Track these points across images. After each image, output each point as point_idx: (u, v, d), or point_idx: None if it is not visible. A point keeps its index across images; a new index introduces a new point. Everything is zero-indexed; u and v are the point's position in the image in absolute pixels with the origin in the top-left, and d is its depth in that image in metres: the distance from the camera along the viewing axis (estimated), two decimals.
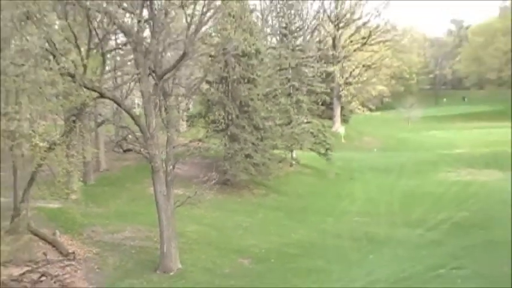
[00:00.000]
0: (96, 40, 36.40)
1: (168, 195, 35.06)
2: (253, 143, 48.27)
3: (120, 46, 44.97)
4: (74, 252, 35.64)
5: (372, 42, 79.40)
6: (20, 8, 30.17)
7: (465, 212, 41.27)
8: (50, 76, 31.44)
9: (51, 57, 32.18)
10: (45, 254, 35.18)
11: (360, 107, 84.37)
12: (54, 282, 31.80)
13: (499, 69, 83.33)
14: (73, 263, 34.68)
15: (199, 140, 46.46)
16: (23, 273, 32.04)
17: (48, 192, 40.30)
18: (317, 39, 72.68)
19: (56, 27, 34.51)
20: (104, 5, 35.55)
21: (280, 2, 64.01)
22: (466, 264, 30.51)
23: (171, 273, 34.02)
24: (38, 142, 31.96)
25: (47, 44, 31.93)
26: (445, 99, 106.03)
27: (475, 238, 34.95)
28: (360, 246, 38.34)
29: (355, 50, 77.82)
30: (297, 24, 64.68)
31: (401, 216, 43.65)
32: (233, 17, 38.93)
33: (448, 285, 26.60)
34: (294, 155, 56.13)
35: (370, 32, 78.92)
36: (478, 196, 43.70)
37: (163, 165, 35.20)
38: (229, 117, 47.77)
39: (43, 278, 31.89)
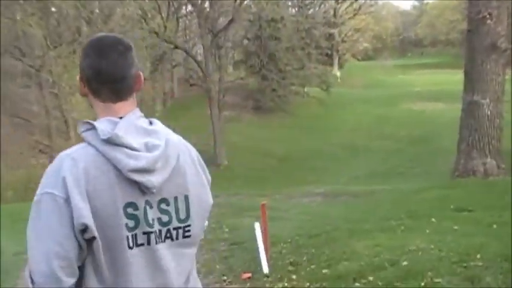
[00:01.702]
0: (173, 9, 36.51)
1: (220, 115, 35.63)
2: (277, 81, 48.20)
3: (188, 13, 44.80)
4: None
5: (361, 13, 78.12)
6: None
7: (419, 130, 41.23)
8: (142, 33, 31.79)
9: (143, 20, 32.47)
10: None
11: (351, 57, 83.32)
12: None
13: (446, 33, 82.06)
14: None
15: (241, 78, 46.65)
16: None
17: (140, 111, 41.00)
18: (323, 10, 71.28)
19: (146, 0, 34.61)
20: None
21: None
22: (418, 165, 30.78)
23: (221, 167, 34.76)
24: None
25: (140, 12, 32.23)
26: (409, 54, 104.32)
27: (425, 148, 35.11)
28: (347, 152, 38.64)
29: (349, 18, 76.49)
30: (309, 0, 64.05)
31: (376, 132, 43.55)
32: None
33: (405, 179, 26.97)
34: (306, 90, 55.96)
35: (360, 6, 77.57)
36: (429, 120, 43.40)
37: (216, 95, 35.62)
38: (262, 63, 47.67)
39: None
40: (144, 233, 1.71)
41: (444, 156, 21.54)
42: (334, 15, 73.26)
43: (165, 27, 33.06)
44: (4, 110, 29.17)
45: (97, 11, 35.73)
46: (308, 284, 5.57)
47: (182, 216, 1.82)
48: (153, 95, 38.65)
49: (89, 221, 1.62)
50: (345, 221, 8.47)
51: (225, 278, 6.50)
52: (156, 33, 32.31)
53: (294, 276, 5.93)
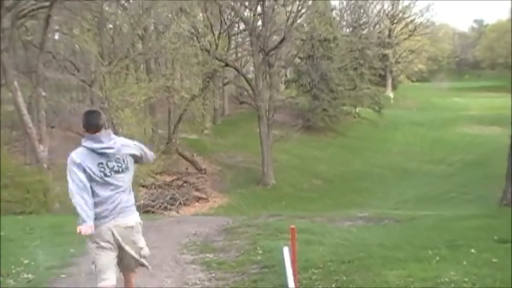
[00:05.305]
0: (225, 27, 36.93)
1: (268, 134, 35.59)
2: (328, 101, 48.09)
3: (240, 31, 45.23)
4: (205, 169, 36.71)
5: (416, 34, 77.16)
6: (177, 4, 30.93)
7: (473, 155, 40.28)
8: (194, 50, 32.24)
9: (195, 38, 32.94)
10: (186, 168, 36.41)
11: (405, 79, 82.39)
12: (192, 187, 32.96)
13: (506, 56, 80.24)
14: (204, 175, 35.78)
15: (292, 97, 46.63)
16: (172, 180, 33.37)
17: (189, 128, 41.56)
18: (378, 30, 70.66)
19: (199, 17, 35.13)
20: (232, 3, 35.98)
21: (353, 3, 62.57)
22: (470, 191, 30.00)
23: (268, 187, 34.68)
24: (184, 94, 32.89)
25: (192, 29, 32.71)
26: (466, 76, 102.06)
27: (479, 173, 34.21)
28: (397, 175, 38.04)
29: (404, 39, 75.62)
30: (364, 20, 63.45)
31: (428, 156, 42.91)
32: (319, 13, 38.76)
33: (456, 204, 26.29)
34: (357, 111, 55.60)
35: (416, 27, 76.62)
36: (483, 145, 42.47)
37: (266, 113, 35.68)
38: (313, 83, 47.64)
39: (185, 184, 33.12)
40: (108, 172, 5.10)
41: (499, 183, 20.81)
42: (389, 35, 72.64)
43: (217, 45, 33.44)
44: (57, 123, 29.97)
45: (152, 28, 36.48)
46: None
47: (125, 165, 5.18)
48: (203, 111, 38.93)
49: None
50: (380, 247, 8.26)
51: None
52: (207, 50, 32.74)
53: None
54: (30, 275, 7.70)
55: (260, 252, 8.99)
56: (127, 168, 5.17)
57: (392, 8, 73.71)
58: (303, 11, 37.98)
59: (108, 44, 30.36)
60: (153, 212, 27.24)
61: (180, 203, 29.93)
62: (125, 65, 29.63)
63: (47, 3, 23.33)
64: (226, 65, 36.05)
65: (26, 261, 8.36)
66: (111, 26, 32.83)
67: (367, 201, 29.24)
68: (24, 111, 21.51)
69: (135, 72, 35.64)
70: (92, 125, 5.07)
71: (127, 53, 30.72)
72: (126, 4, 33.20)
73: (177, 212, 28.31)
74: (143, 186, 30.10)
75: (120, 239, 5.16)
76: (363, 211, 16.17)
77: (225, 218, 14.82)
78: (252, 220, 13.17)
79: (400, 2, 74.35)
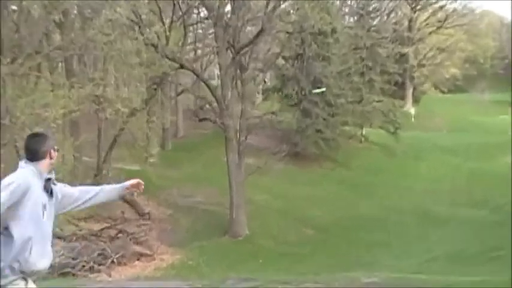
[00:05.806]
0: (180, 13, 37.09)
1: (240, 164, 35.61)
2: (324, 119, 48.46)
3: (201, 20, 45.50)
4: (149, 213, 36.54)
5: (448, 25, 77.90)
6: None
7: None
8: (135, 46, 32.22)
9: (136, 28, 32.96)
10: (123, 212, 36.15)
11: (432, 88, 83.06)
12: (130, 240, 32.73)
13: None
14: (148, 222, 35.59)
15: (273, 113, 46.82)
16: (102, 229, 33.09)
17: (128, 155, 41.40)
18: (393, 20, 71.44)
19: None
20: None
21: None
22: None
23: (239, 238, 34.57)
24: (120, 107, 32.79)
25: (133, 15, 32.72)
26: None
27: None
28: (421, 223, 38.15)
29: (430, 33, 76.45)
30: (374, 5, 63.71)
31: (465, 197, 43.20)
32: None
33: (506, 265, 26.34)
34: (364, 132, 56.04)
35: (447, 15, 77.50)
36: None
37: (237, 135, 35.71)
38: (303, 93, 48.01)
39: (120, 235, 32.87)
40: None
41: None
42: (409, 28, 73.35)
43: (168, 38, 33.46)
44: None
45: (75, 12, 36.38)
46: None
47: None
48: (148, 132, 38.84)
49: None
50: None
51: None
52: (154, 46, 32.71)
53: None
54: None
55: None
56: None
57: None
58: None
59: (11, 34, 30.15)
60: (73, 275, 27.01)
61: (112, 262, 29.69)
62: (35, 64, 29.47)
63: None
64: (181, 66, 36.08)
65: None
66: (15, 7, 32.65)
67: (379, 259, 29.28)
68: None
69: (50, 74, 35.50)
70: (27, 150, 5.68)
71: (38, 46, 30.58)
72: None
73: (109, 275, 28.10)
74: (59, 237, 29.82)
75: None
76: (372, 274, 16.22)
77: (177, 282, 14.79)
78: (216, 286, 13.17)
79: None
